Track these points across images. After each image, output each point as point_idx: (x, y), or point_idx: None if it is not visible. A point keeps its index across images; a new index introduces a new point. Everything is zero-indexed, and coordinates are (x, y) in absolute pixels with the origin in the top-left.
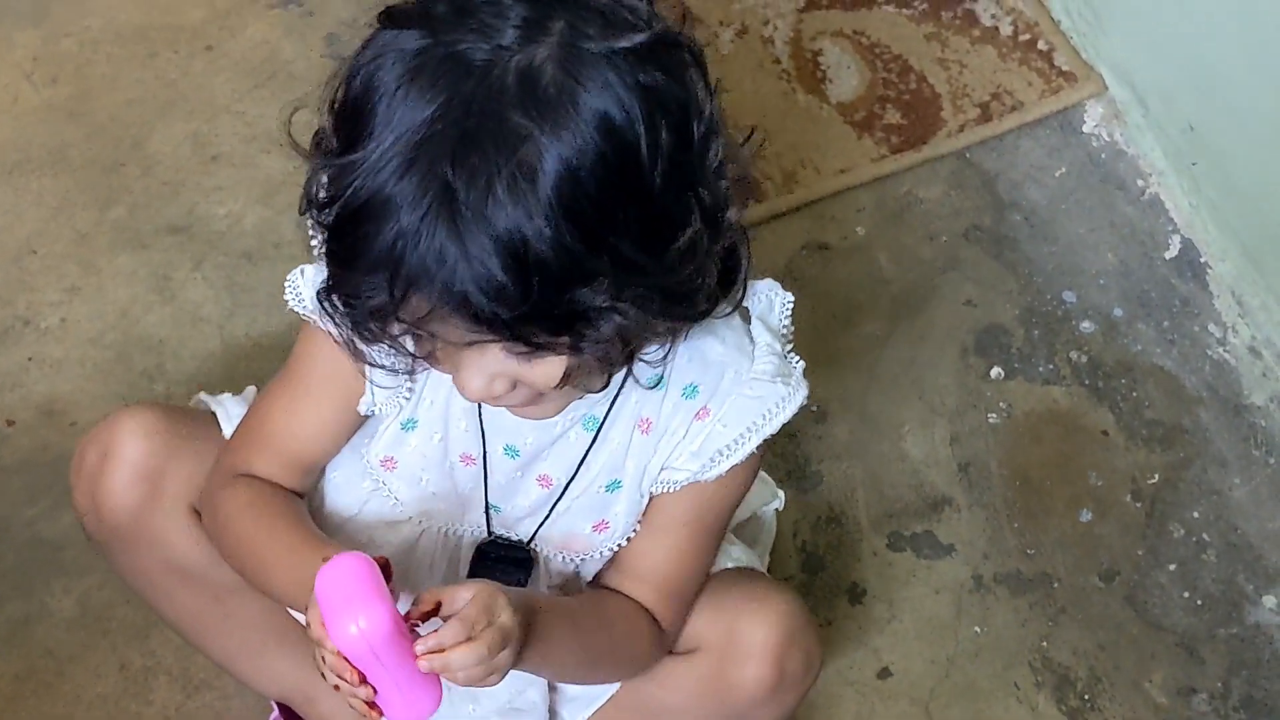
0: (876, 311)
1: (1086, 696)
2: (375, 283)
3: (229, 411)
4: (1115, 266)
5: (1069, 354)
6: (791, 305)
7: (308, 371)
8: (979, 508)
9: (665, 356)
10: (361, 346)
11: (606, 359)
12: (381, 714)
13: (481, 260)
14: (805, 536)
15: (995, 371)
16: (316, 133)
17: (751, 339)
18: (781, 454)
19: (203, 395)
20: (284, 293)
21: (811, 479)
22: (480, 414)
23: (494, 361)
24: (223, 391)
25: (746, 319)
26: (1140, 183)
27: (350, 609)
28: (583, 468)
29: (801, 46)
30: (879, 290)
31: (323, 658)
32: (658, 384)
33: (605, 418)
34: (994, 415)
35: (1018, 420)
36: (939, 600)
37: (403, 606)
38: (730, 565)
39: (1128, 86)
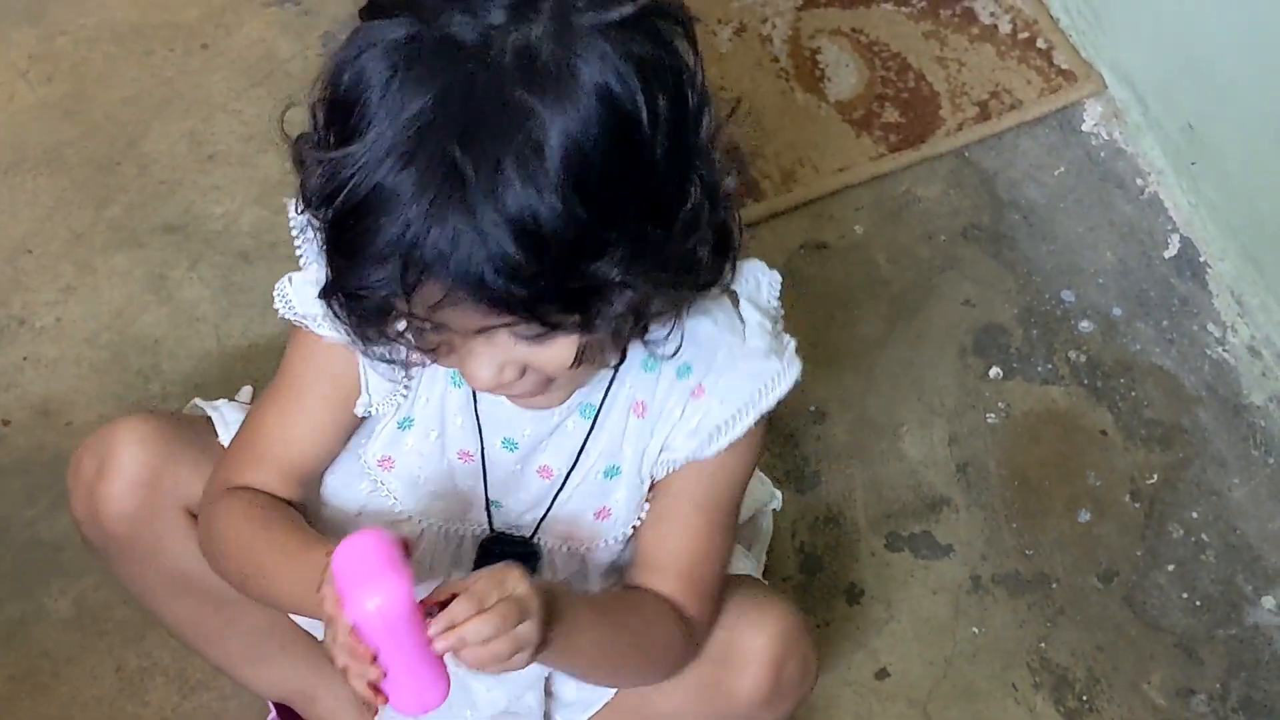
0: (875, 311)
1: (1085, 697)
2: (386, 273)
3: (225, 417)
4: (1114, 266)
5: (1068, 353)
6: (779, 284)
7: (299, 378)
8: (977, 508)
9: (668, 335)
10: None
11: (618, 336)
12: (386, 700)
13: (496, 240)
14: (803, 537)
15: (994, 371)
16: (299, 138)
17: (742, 318)
18: (780, 454)
19: (198, 401)
20: (274, 301)
21: (810, 479)
22: (476, 409)
23: (503, 349)
24: (218, 392)
25: (735, 300)
26: (1139, 182)
27: (369, 584)
28: (582, 456)
29: (800, 45)
30: (877, 290)
31: (334, 637)
32: (651, 366)
33: (601, 404)
34: (992, 415)
35: (1016, 420)
36: (937, 601)
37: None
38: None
39: (1127, 85)
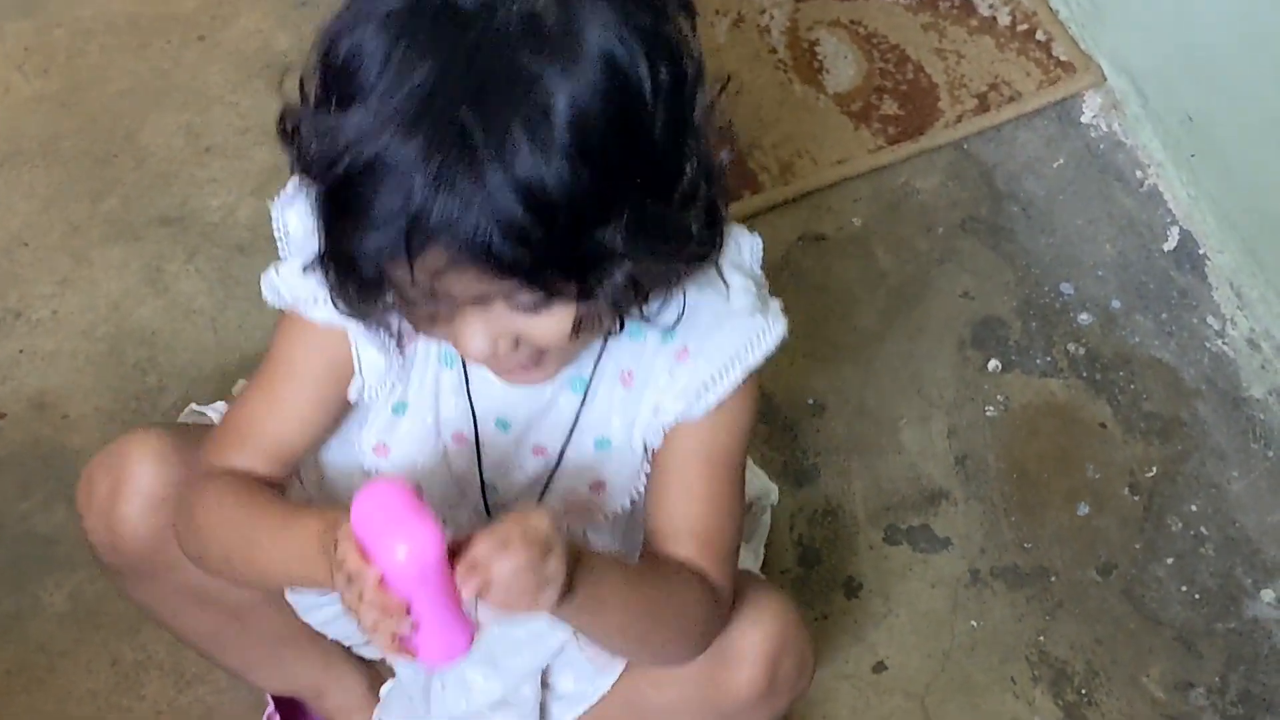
0: (873, 304)
1: (1083, 691)
2: (390, 238)
3: None
4: (1113, 258)
5: (1067, 346)
6: (761, 247)
7: (289, 363)
8: (976, 501)
9: (663, 305)
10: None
11: (616, 307)
12: (415, 655)
13: (504, 204)
14: (802, 530)
15: (992, 364)
16: (284, 112)
17: (725, 282)
18: (778, 447)
19: (195, 407)
20: (263, 295)
21: (808, 472)
22: (469, 390)
23: (498, 319)
24: (215, 384)
25: (717, 265)
26: (1139, 174)
27: (398, 531)
28: (575, 431)
29: (798, 36)
30: (875, 282)
31: (359, 594)
32: (637, 334)
33: (591, 377)
34: (991, 408)
35: (1015, 413)
36: (935, 594)
37: None
38: None
39: (1126, 77)
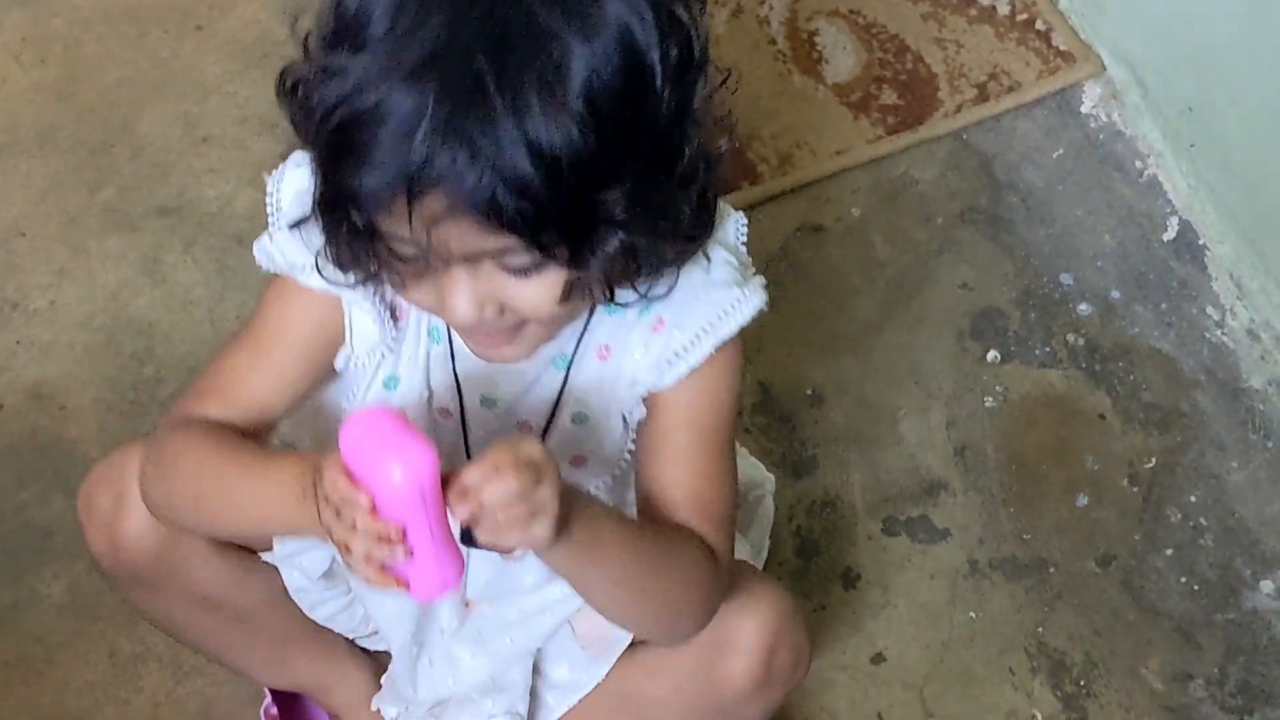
0: (872, 294)
1: (1082, 682)
2: (390, 177)
3: None
4: (1113, 248)
5: (1066, 337)
6: (746, 225)
7: (278, 325)
8: (975, 492)
9: (649, 286)
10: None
11: (606, 280)
12: (407, 586)
13: (512, 157)
14: (800, 521)
15: (991, 355)
16: (283, 72)
17: (707, 256)
18: (776, 438)
19: None
20: (256, 259)
21: (807, 463)
22: (454, 367)
23: (487, 281)
24: None
25: None
26: (1138, 164)
27: (391, 452)
28: (559, 406)
29: (797, 26)
30: (874, 273)
31: (350, 524)
32: (614, 309)
33: (574, 353)
34: (990, 399)
35: (1014, 404)
36: (934, 585)
37: None
38: None
39: (1126, 67)
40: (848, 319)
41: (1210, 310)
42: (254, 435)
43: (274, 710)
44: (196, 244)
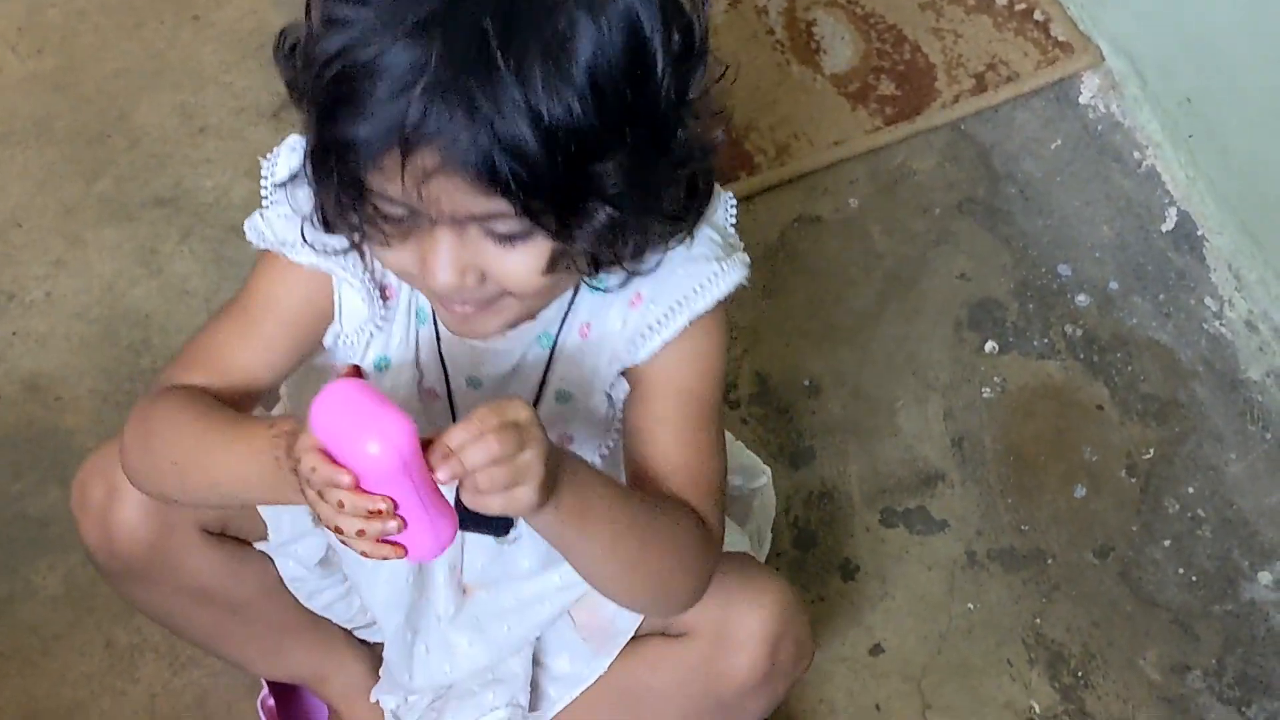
0: (869, 285)
1: (1080, 673)
2: (388, 124)
3: None
4: (1111, 239)
5: (1064, 328)
6: (735, 205)
7: (267, 299)
8: (972, 483)
9: (634, 267)
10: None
11: (591, 256)
12: (405, 553)
13: (512, 122)
14: (798, 512)
15: (989, 345)
16: (286, 31)
17: (691, 234)
18: (774, 428)
19: None
20: (246, 235)
21: (804, 454)
22: (440, 348)
23: (471, 248)
24: None
25: None
26: (1137, 155)
27: (368, 426)
28: (545, 386)
29: (795, 17)
30: (872, 264)
31: (337, 502)
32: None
33: (559, 332)
34: (988, 390)
35: (1012, 395)
36: (932, 576)
37: None
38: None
39: (1125, 58)
40: (845, 310)
41: (1208, 301)
42: (236, 405)
43: (271, 701)
44: (193, 234)
